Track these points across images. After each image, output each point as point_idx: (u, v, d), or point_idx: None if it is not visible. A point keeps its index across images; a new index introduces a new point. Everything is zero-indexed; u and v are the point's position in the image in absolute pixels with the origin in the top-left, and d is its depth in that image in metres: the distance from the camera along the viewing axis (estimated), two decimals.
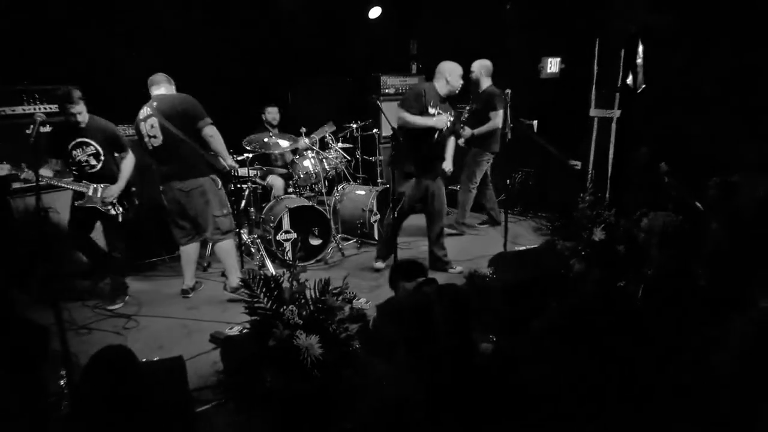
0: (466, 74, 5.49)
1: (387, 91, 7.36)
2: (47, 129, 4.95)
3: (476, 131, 6.21)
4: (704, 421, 2.27)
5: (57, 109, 4.79)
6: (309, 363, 2.39)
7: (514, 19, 7.29)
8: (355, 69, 8.07)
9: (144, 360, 3.25)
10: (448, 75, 4.99)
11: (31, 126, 3.58)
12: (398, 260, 4.75)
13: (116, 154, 4.75)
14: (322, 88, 8.11)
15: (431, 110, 4.92)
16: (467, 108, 6.49)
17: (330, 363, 2.44)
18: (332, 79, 8.19)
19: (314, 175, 6.05)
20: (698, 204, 4.48)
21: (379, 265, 5.48)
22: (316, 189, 6.23)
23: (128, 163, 4.78)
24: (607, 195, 6.23)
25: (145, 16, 5.96)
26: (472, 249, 5.95)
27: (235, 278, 4.73)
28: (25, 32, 5.22)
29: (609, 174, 6.45)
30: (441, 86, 5.02)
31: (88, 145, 4.53)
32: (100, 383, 2.07)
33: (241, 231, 5.61)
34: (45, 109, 5.03)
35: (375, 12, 7.67)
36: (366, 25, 7.81)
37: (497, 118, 6.13)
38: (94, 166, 4.58)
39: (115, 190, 4.65)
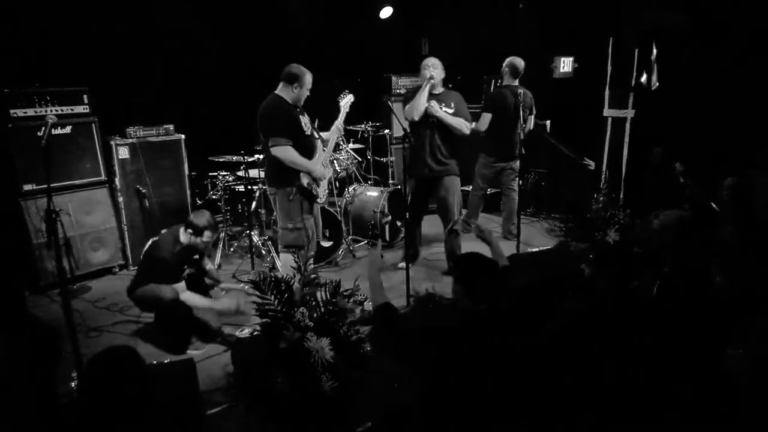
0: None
1: (398, 91, 7.30)
2: (59, 131, 4.97)
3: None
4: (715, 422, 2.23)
5: (67, 111, 4.89)
6: (320, 365, 2.37)
7: (527, 18, 7.25)
8: (366, 69, 8.03)
9: (154, 362, 3.24)
10: (422, 69, 5.02)
11: (43, 128, 3.49)
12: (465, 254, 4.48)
13: None
14: (332, 89, 8.06)
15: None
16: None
17: (341, 365, 2.42)
18: (342, 80, 8.14)
19: None
20: (713, 204, 4.42)
21: (401, 265, 5.28)
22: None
23: None
24: (621, 195, 6.17)
25: (155, 20, 5.97)
26: (484, 251, 5.85)
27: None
28: (33, 33, 5.22)
29: (623, 174, 6.38)
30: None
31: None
32: (100, 384, 2.05)
33: (252, 232, 5.61)
34: (57, 111, 4.96)
35: (386, 12, 7.63)
36: (377, 25, 7.77)
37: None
38: None
39: None
